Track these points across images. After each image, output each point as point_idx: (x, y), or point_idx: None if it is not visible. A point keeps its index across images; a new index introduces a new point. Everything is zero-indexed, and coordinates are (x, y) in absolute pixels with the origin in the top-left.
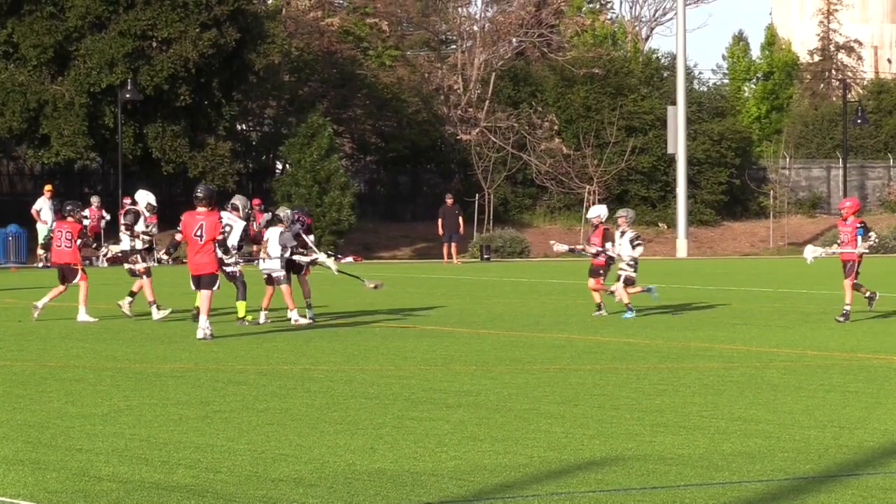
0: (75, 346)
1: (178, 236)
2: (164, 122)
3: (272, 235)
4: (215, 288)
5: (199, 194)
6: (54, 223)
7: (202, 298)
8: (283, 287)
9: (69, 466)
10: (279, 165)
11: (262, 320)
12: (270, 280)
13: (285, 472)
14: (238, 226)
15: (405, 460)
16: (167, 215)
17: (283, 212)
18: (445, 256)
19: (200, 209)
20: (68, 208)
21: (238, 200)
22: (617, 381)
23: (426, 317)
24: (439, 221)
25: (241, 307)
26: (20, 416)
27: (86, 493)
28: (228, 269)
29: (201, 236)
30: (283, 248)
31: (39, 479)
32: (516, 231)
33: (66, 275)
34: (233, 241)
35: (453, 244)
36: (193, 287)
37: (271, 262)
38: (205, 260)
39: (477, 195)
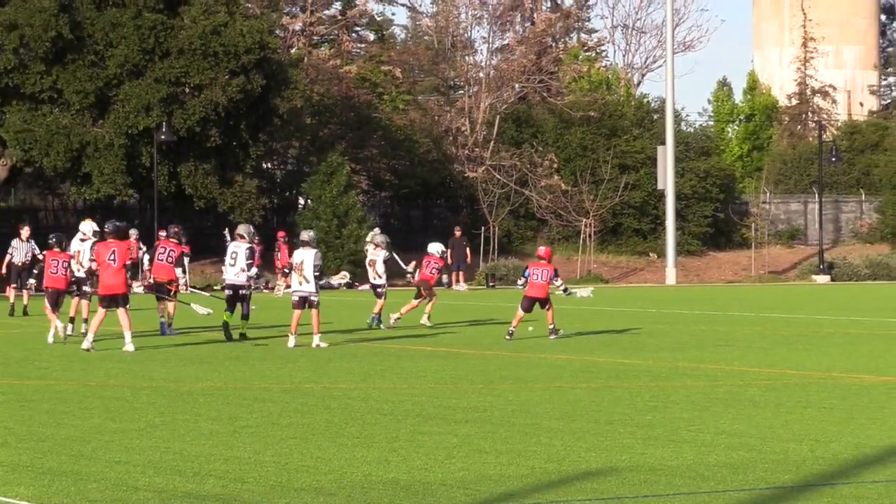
0: (114, 368)
1: (94, 265)
2: (196, 161)
3: (306, 258)
4: (127, 306)
5: (107, 229)
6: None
7: (120, 316)
8: (314, 311)
9: (108, 477)
10: (301, 201)
11: (291, 343)
12: (302, 303)
13: (307, 483)
14: (241, 251)
15: (417, 471)
16: (199, 246)
17: (308, 234)
18: (453, 282)
19: (111, 240)
20: (56, 240)
21: (242, 229)
22: (611, 399)
23: (436, 339)
24: (448, 252)
25: (243, 325)
26: (63, 432)
27: (124, 501)
28: (242, 291)
29: (115, 261)
30: (319, 271)
31: (81, 488)
32: (519, 260)
33: (59, 300)
34: (241, 264)
35: (461, 272)
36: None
37: (308, 284)
38: (117, 282)
39: (483, 228)
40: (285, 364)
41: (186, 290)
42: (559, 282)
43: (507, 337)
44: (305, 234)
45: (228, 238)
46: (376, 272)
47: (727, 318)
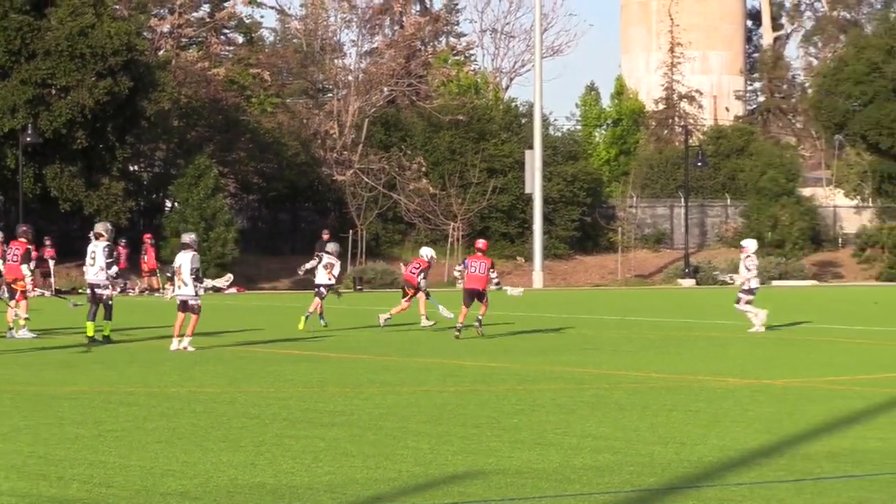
0: None
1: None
2: (62, 163)
3: (184, 261)
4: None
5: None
6: None
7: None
8: (192, 316)
9: None
10: (168, 203)
11: (173, 346)
12: (184, 306)
13: (172, 487)
14: (100, 249)
15: (283, 475)
16: (65, 249)
17: (189, 236)
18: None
19: None
20: None
21: (100, 227)
22: (478, 402)
23: (303, 343)
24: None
25: (106, 327)
26: None
27: None
28: (98, 290)
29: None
30: (196, 274)
31: None
32: (387, 264)
33: None
34: (100, 262)
35: None
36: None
37: (185, 288)
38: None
39: (351, 231)
40: (151, 368)
41: (34, 289)
42: (494, 275)
43: (457, 334)
44: (186, 237)
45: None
46: (332, 274)
47: (594, 321)
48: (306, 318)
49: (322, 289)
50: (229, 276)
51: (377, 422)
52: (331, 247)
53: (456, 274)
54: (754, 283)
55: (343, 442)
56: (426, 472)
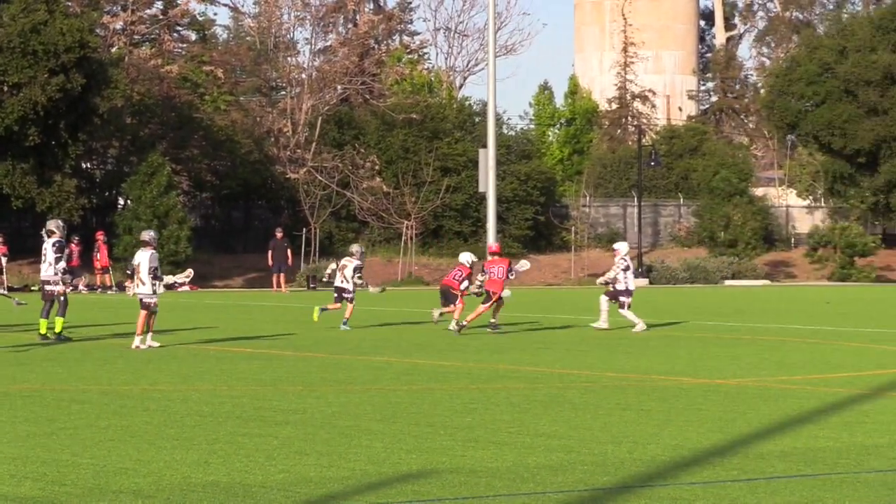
0: None
1: None
2: (14, 160)
3: (143, 259)
4: None
5: None
6: None
7: None
8: (151, 314)
9: None
10: (121, 201)
11: (134, 344)
12: (145, 304)
13: (125, 485)
14: (49, 245)
15: (237, 473)
16: (17, 246)
17: (148, 234)
18: (275, 285)
19: None
20: None
21: (52, 224)
22: (432, 401)
23: (257, 341)
24: (269, 253)
25: (58, 323)
26: None
27: None
28: (49, 287)
29: None
30: (153, 272)
31: None
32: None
33: None
34: (50, 258)
35: (282, 274)
36: None
37: (143, 287)
38: None
39: (304, 229)
40: (103, 365)
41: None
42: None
43: (491, 330)
44: (145, 234)
45: (46, 237)
46: (344, 276)
47: (547, 320)
48: (344, 324)
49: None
50: (190, 272)
51: (330, 420)
52: (354, 248)
53: (477, 282)
54: (630, 285)
55: (296, 440)
56: (379, 471)
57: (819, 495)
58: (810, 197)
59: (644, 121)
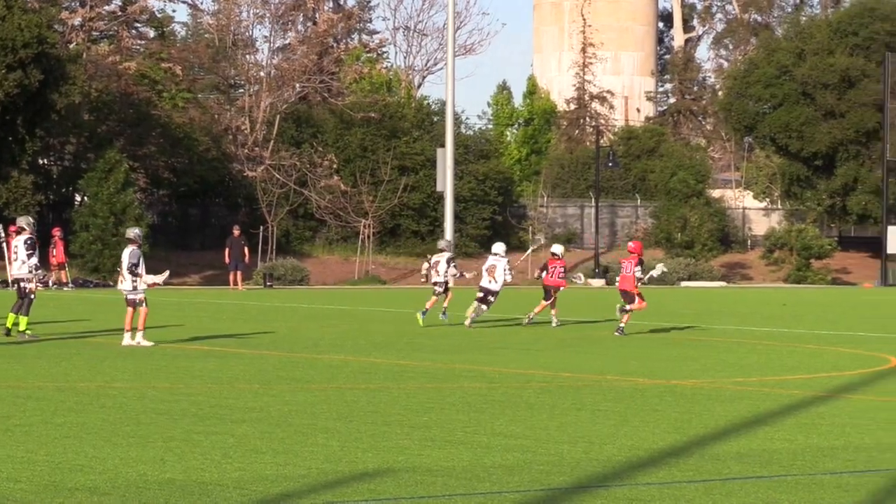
0: None
1: None
2: None
3: (124, 256)
4: None
5: None
6: None
7: None
8: (136, 309)
9: None
10: (78, 197)
11: (125, 342)
12: (129, 301)
13: (81, 482)
14: (20, 242)
15: (193, 471)
16: None
17: (132, 231)
18: (231, 283)
19: None
20: None
21: (22, 221)
22: (389, 400)
23: (213, 339)
24: (226, 251)
25: (23, 322)
26: None
27: None
28: (23, 283)
29: None
30: (131, 269)
31: None
32: (297, 261)
33: None
34: (21, 255)
35: (239, 272)
36: None
37: (125, 283)
38: None
39: (261, 227)
40: (60, 362)
41: None
42: (638, 272)
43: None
44: (130, 232)
45: (2, 234)
46: (437, 271)
47: (504, 319)
48: (442, 314)
49: (437, 287)
50: (167, 272)
51: (287, 418)
52: (442, 243)
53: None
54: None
55: (252, 438)
56: (336, 470)
57: (774, 497)
58: (767, 199)
59: (602, 121)
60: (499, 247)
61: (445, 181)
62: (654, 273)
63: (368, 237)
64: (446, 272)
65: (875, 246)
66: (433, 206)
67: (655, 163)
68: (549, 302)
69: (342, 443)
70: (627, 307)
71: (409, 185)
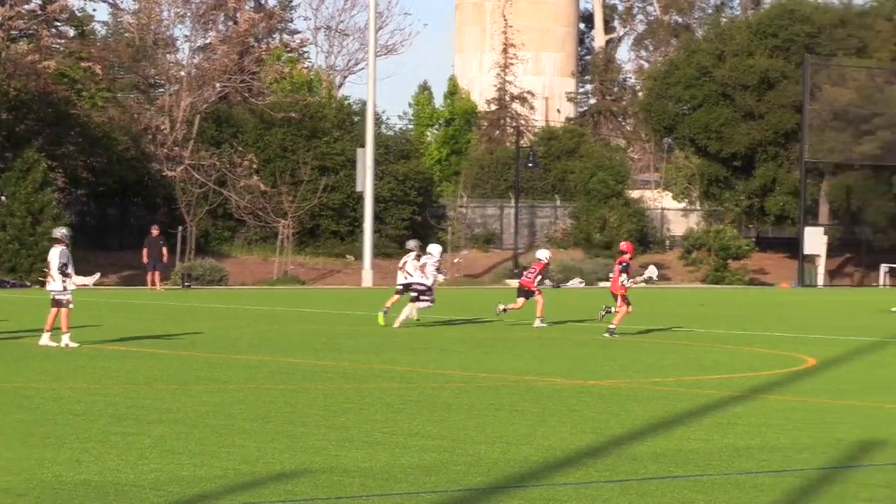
0: None
1: None
2: None
3: (52, 256)
4: None
5: None
6: None
7: None
8: (61, 310)
9: None
10: None
11: (42, 341)
12: (55, 301)
13: None
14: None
15: (109, 472)
16: None
17: (59, 231)
18: (149, 283)
19: None
20: None
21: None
22: (306, 400)
23: (131, 339)
24: (144, 251)
25: None
26: None
27: None
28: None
29: None
30: (61, 269)
31: None
32: (216, 261)
33: None
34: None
35: (157, 272)
36: None
37: (53, 283)
38: None
39: (180, 227)
40: None
41: None
42: (623, 279)
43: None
44: (56, 231)
45: None
46: (408, 273)
47: (423, 320)
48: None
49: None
50: (97, 274)
51: (204, 419)
52: (411, 244)
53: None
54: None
55: (169, 439)
56: (253, 470)
57: (690, 497)
58: (686, 200)
59: (522, 122)
60: (435, 248)
61: (365, 181)
62: (646, 277)
63: (288, 237)
64: (434, 273)
65: (792, 247)
66: (353, 206)
67: (575, 163)
68: (522, 302)
69: (259, 443)
70: (611, 310)
71: (329, 186)
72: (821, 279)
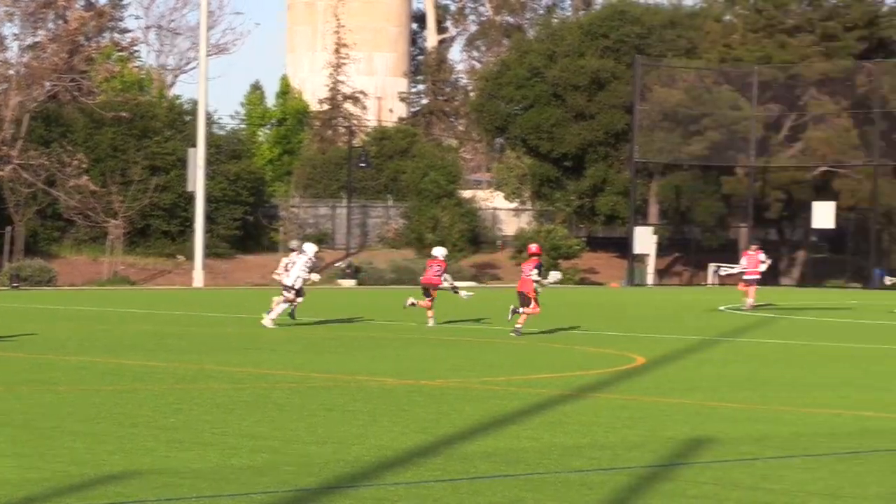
0: None
1: None
2: None
3: None
4: None
5: None
6: None
7: None
8: None
9: None
10: None
11: None
12: None
13: None
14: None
15: None
16: None
17: None
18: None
19: None
20: None
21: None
22: (136, 401)
23: None
24: None
25: None
26: None
27: None
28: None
29: None
30: None
31: None
32: (45, 261)
33: None
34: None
35: None
36: None
37: None
38: None
39: (9, 227)
40: None
41: None
42: (535, 275)
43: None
44: None
45: None
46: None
47: (253, 321)
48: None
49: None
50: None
51: (32, 421)
52: (294, 243)
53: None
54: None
55: None
56: (82, 472)
57: (520, 495)
58: (517, 200)
59: (355, 122)
60: (309, 247)
61: (196, 181)
62: (550, 280)
63: (118, 237)
64: (304, 274)
65: (622, 246)
66: (184, 206)
67: (407, 163)
68: (429, 300)
69: (88, 445)
70: (521, 310)
71: (160, 186)
72: (650, 278)
